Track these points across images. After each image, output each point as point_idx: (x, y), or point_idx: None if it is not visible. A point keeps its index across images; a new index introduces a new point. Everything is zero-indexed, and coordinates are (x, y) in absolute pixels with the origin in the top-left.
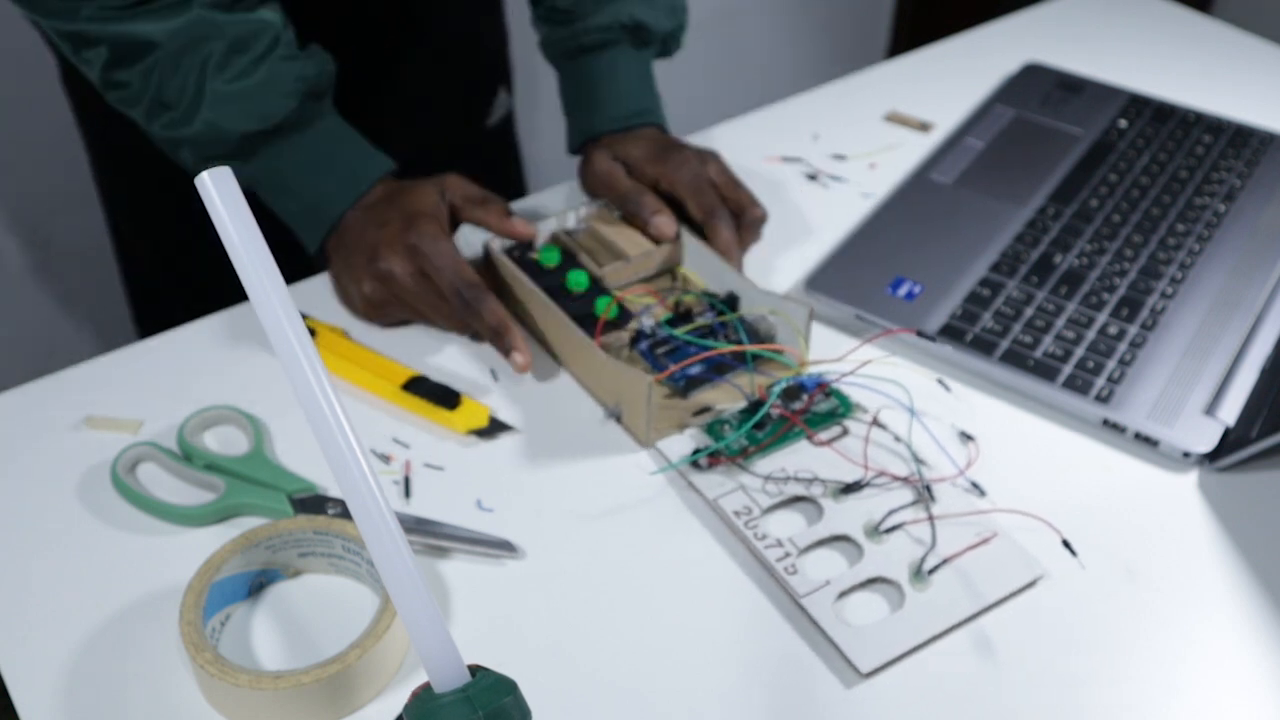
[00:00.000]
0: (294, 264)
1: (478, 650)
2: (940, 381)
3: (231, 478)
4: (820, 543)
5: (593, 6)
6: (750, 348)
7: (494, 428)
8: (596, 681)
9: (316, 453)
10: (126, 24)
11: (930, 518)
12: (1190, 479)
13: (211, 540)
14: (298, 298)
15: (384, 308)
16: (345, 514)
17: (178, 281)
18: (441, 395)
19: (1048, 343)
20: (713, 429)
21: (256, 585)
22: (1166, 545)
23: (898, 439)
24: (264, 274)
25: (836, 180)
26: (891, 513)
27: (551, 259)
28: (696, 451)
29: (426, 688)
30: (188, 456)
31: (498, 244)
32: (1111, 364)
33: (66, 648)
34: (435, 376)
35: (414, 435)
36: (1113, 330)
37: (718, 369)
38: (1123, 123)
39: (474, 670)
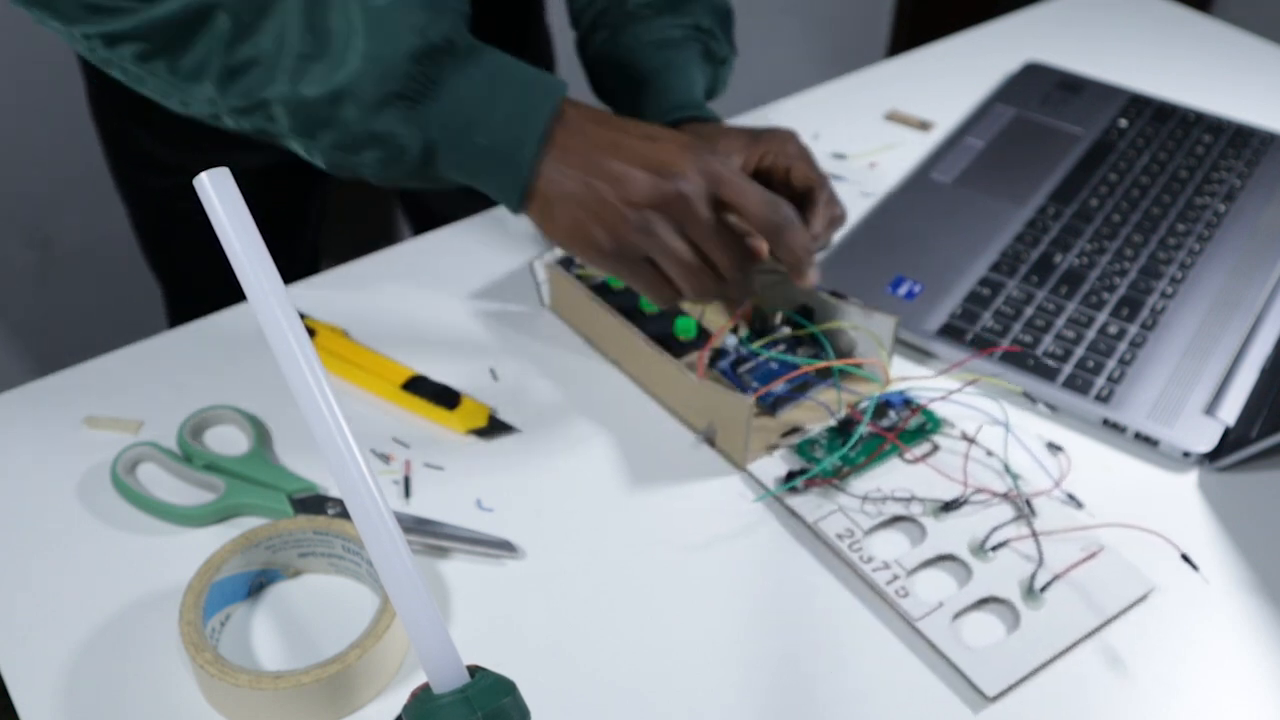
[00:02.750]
0: (294, 264)
1: (477, 650)
2: (1026, 394)
3: (231, 478)
4: (927, 563)
5: (665, 6)
6: (838, 363)
7: (494, 428)
8: (596, 683)
9: (316, 453)
10: None
11: (1034, 534)
12: (1190, 479)
13: (211, 540)
14: (297, 298)
15: (645, 237)
16: (345, 514)
17: (213, 279)
18: (441, 395)
19: (1048, 342)
20: (803, 450)
21: (256, 585)
22: (1166, 545)
23: (989, 453)
24: (262, 274)
25: (836, 179)
26: (995, 530)
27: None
28: (792, 476)
29: (425, 688)
30: (188, 456)
31: (548, 258)
32: (1111, 364)
33: (66, 648)
34: (435, 376)
35: (414, 435)
36: (1113, 330)
37: (801, 386)
38: (1123, 122)
39: (473, 671)
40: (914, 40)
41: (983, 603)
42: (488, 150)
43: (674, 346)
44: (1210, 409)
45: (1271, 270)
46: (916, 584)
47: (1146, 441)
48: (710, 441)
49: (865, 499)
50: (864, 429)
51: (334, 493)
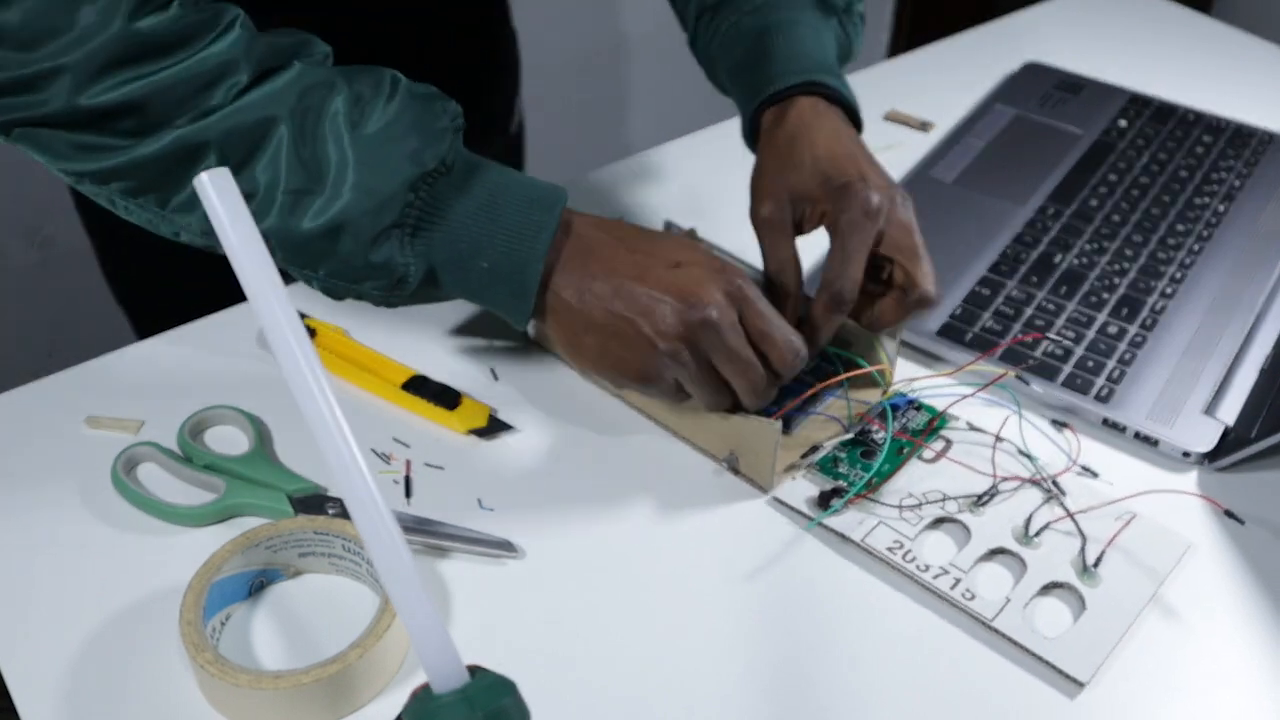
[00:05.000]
0: None
1: (477, 650)
2: (1020, 377)
3: (231, 478)
4: (979, 560)
5: None
6: (847, 375)
7: (494, 427)
8: (597, 683)
9: (316, 453)
10: (234, 109)
11: (1070, 513)
12: (1190, 479)
13: (211, 540)
14: (298, 298)
15: (675, 366)
16: (345, 514)
17: (170, 287)
18: (441, 395)
19: (1047, 342)
20: (826, 467)
21: (256, 585)
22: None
23: (1000, 439)
24: (262, 274)
25: None
26: (1033, 515)
27: None
28: (826, 496)
29: (425, 688)
30: (188, 456)
31: None
32: (1111, 364)
33: (67, 647)
34: (435, 376)
35: (414, 435)
36: (1112, 330)
37: (807, 400)
38: (1123, 123)
39: (473, 670)
40: (914, 40)
41: (1044, 589)
42: (490, 272)
43: None
44: (1210, 409)
45: (1271, 270)
46: (977, 583)
47: (1146, 441)
48: (735, 470)
49: (901, 506)
50: (890, 436)
51: (334, 492)
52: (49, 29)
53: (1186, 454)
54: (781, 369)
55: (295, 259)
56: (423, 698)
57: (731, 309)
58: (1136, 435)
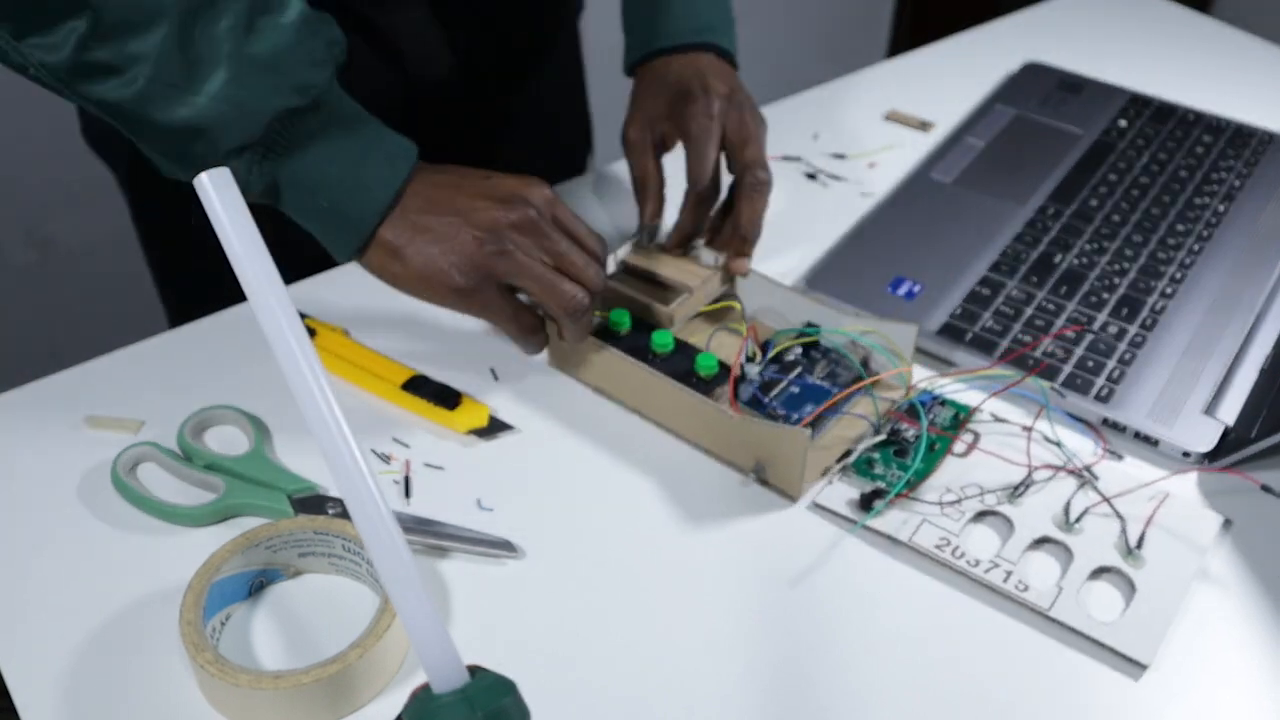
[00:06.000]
0: (294, 264)
1: (477, 650)
2: (1056, 389)
3: (231, 478)
4: (1025, 550)
5: None
6: (869, 381)
7: (494, 427)
8: (596, 683)
9: (317, 452)
10: None
11: (1105, 498)
12: (1190, 479)
13: (211, 540)
14: (298, 298)
15: (502, 258)
16: (345, 514)
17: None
18: (441, 395)
19: (1047, 342)
20: (861, 469)
21: (256, 585)
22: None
23: (1025, 429)
24: (262, 274)
25: (836, 179)
26: (1071, 501)
27: (623, 323)
28: (867, 498)
29: (426, 688)
30: (188, 456)
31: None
32: (1111, 363)
33: (67, 648)
34: (435, 376)
35: (414, 435)
36: (1113, 330)
37: (830, 403)
38: (1123, 123)
39: (473, 670)
40: (914, 40)
41: (1093, 574)
42: (328, 210)
43: (697, 385)
44: (1210, 409)
45: (1271, 270)
46: (1028, 573)
47: (1146, 441)
48: (763, 480)
49: (942, 503)
50: (925, 433)
51: (334, 493)
52: None
53: (1186, 454)
54: (595, 250)
55: (130, 130)
56: (423, 698)
57: (545, 204)
58: (1136, 435)
